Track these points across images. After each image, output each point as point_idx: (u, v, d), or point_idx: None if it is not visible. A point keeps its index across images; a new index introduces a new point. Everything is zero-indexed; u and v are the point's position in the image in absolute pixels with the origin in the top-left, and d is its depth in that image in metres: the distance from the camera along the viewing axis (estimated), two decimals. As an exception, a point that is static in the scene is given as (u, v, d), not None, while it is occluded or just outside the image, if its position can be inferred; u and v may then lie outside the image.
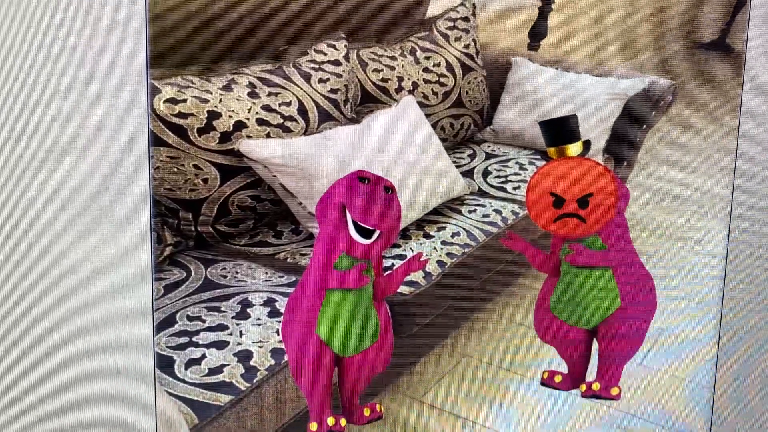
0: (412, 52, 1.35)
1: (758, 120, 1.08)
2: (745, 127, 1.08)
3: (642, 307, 1.00)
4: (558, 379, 1.05)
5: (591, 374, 1.03)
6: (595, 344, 1.02)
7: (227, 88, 1.16)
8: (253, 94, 1.18)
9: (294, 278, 1.15)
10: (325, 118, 1.23)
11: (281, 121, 1.19)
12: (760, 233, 1.10)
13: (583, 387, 1.02)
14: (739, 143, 1.08)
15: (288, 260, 1.19)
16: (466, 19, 1.40)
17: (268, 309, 1.08)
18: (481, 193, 1.33)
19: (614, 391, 1.01)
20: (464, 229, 1.24)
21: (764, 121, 1.08)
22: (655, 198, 1.28)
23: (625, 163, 1.34)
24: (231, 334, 1.03)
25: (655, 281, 1.00)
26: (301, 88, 1.22)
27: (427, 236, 1.22)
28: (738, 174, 1.09)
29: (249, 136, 1.16)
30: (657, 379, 1.17)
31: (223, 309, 1.08)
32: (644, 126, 1.33)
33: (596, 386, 1.01)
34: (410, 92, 1.33)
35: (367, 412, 1.00)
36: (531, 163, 1.38)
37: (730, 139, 1.08)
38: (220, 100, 1.14)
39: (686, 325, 1.19)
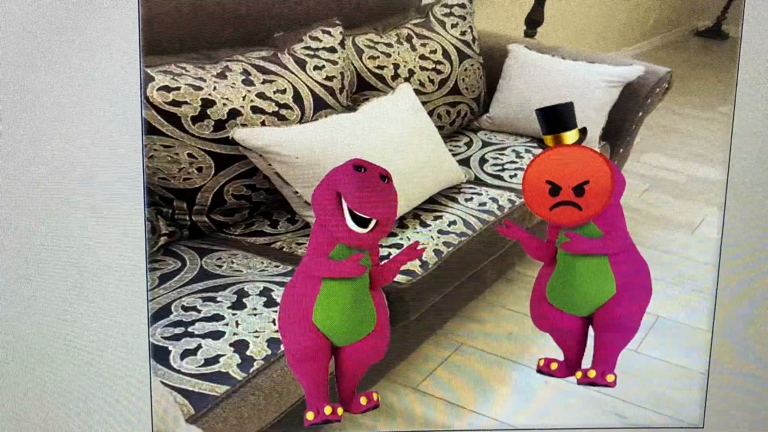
0: (409, 38, 1.34)
1: (753, 107, 1.08)
2: (740, 114, 1.08)
3: (637, 294, 1.00)
4: (554, 366, 1.05)
5: (587, 361, 1.03)
6: (591, 331, 1.03)
7: (221, 75, 1.15)
8: (248, 82, 1.16)
9: (290, 268, 1.15)
10: (320, 105, 1.22)
11: (276, 108, 1.18)
12: (755, 220, 1.10)
13: (579, 374, 1.02)
14: (733, 130, 1.08)
15: (284, 250, 1.19)
16: (462, 6, 1.40)
17: (265, 299, 1.07)
18: (477, 181, 1.33)
19: (610, 378, 1.01)
20: (461, 217, 1.24)
21: (759, 108, 1.08)
22: (651, 185, 1.29)
23: (621, 150, 1.35)
24: (227, 324, 1.03)
25: (651, 268, 1.01)
26: (297, 76, 1.21)
27: (424, 225, 1.22)
28: (733, 161, 1.09)
29: (243, 124, 1.15)
30: (652, 365, 1.18)
31: (218, 299, 1.07)
32: (640, 113, 1.33)
33: (592, 373, 1.01)
34: (406, 80, 1.32)
35: (363, 400, 1.00)
36: (527, 150, 1.38)
37: (725, 126, 1.08)
38: (214, 88, 1.13)
39: (681, 311, 1.20)
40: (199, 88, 1.12)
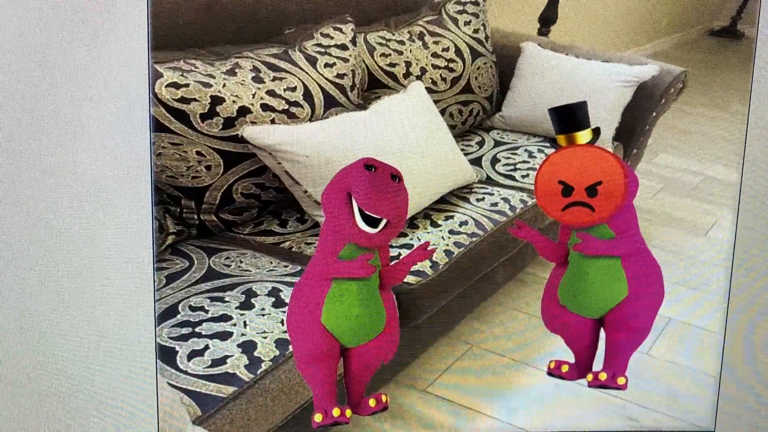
0: (421, 36, 1.34)
1: (768, 108, 1.07)
2: (755, 115, 1.07)
3: (649, 296, 1.00)
4: (565, 368, 1.05)
5: (598, 363, 1.03)
6: (602, 334, 1.02)
7: (231, 72, 1.14)
8: (258, 79, 1.16)
9: (299, 268, 1.14)
10: (331, 103, 1.22)
11: (286, 106, 1.17)
12: (769, 222, 1.10)
13: (590, 376, 1.02)
14: (748, 131, 1.08)
15: (293, 249, 1.18)
16: (475, 3, 1.39)
17: (273, 299, 1.07)
18: (489, 181, 1.33)
19: (621, 381, 1.01)
20: (472, 217, 1.23)
21: (774, 109, 1.08)
22: (664, 186, 1.29)
23: (635, 150, 1.35)
24: (235, 325, 1.02)
25: (663, 270, 1.00)
26: (307, 73, 1.21)
27: (435, 225, 1.21)
28: (747, 162, 1.08)
29: (253, 122, 1.14)
30: (663, 368, 1.18)
31: (226, 299, 1.06)
32: (654, 113, 1.33)
33: (603, 376, 1.01)
34: (418, 78, 1.31)
35: (372, 402, 0.99)
36: (540, 150, 1.38)
37: (740, 126, 1.08)
38: (224, 85, 1.12)
39: (693, 314, 1.20)
40: (209, 85, 1.11)
